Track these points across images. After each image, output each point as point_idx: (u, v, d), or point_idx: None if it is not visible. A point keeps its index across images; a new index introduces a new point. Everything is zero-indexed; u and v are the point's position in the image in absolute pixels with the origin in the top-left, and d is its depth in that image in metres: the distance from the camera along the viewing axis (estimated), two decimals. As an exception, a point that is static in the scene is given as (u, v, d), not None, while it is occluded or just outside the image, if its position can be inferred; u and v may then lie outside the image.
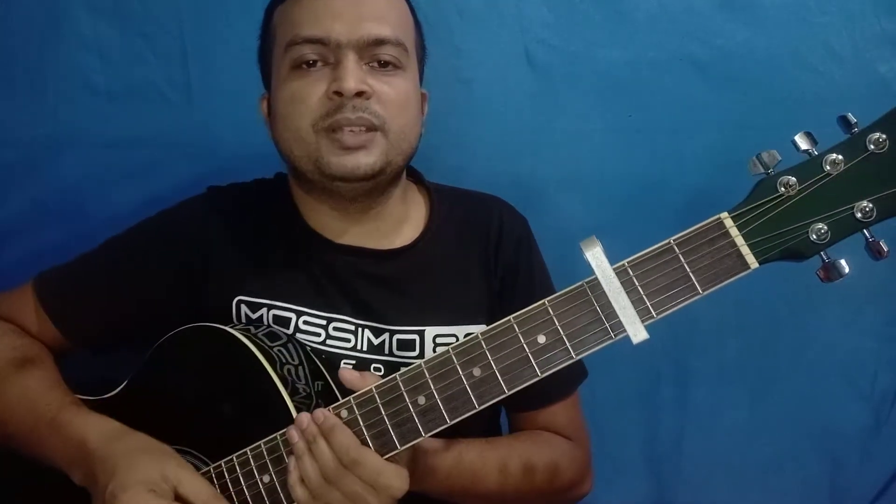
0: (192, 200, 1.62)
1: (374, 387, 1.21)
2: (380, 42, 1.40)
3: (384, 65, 1.42)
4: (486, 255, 1.60)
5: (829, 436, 2.14)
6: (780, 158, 1.07)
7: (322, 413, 1.21)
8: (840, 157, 1.05)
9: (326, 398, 1.30)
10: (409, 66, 1.48)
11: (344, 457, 1.19)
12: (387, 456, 1.20)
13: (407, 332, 1.51)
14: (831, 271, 1.07)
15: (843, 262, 1.06)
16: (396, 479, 1.20)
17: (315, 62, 1.40)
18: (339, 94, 1.36)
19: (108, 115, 1.98)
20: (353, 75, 1.37)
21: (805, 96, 2.02)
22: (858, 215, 1.04)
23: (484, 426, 1.63)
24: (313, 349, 1.46)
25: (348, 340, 1.49)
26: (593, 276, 1.11)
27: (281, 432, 1.26)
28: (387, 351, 1.50)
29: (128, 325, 1.54)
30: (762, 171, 1.07)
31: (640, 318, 1.10)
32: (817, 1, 2.02)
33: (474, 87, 1.89)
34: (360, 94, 1.37)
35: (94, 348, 1.57)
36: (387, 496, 1.20)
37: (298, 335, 1.47)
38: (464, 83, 1.98)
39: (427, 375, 1.18)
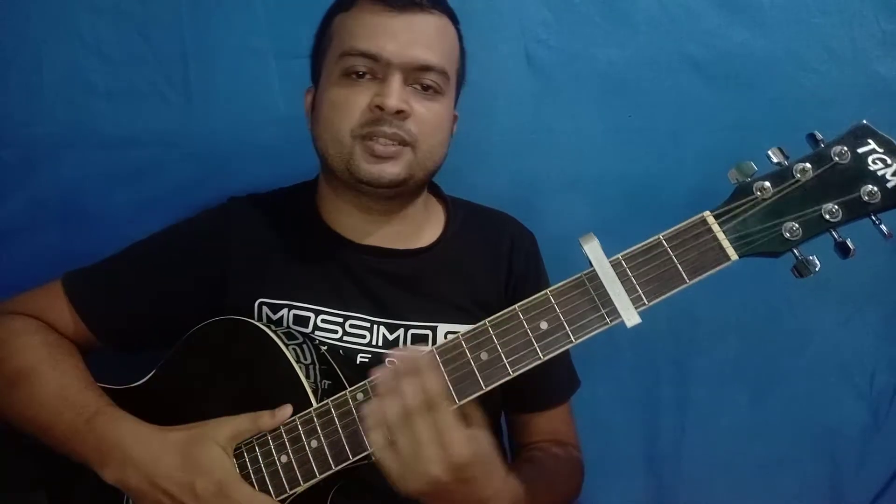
0: (213, 210, 1.86)
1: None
2: (425, 68, 1.66)
3: (426, 88, 1.68)
4: (497, 265, 1.87)
5: (829, 435, 2.31)
6: (756, 169, 1.32)
7: (424, 349, 1.40)
8: (808, 166, 1.30)
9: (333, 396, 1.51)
10: (448, 91, 1.74)
11: (429, 398, 1.29)
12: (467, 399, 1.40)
13: (421, 328, 1.75)
14: (803, 268, 1.31)
15: (813, 258, 1.30)
16: (463, 443, 1.29)
17: (364, 74, 1.66)
18: (380, 108, 1.62)
19: (108, 115, 2.12)
20: (397, 94, 1.62)
21: (804, 96, 2.21)
22: (826, 216, 1.29)
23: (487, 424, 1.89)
24: (330, 348, 1.69)
25: (363, 337, 1.73)
26: (591, 269, 1.35)
27: (301, 414, 1.48)
28: (401, 346, 1.73)
29: (153, 326, 1.75)
30: (740, 179, 1.33)
31: (634, 304, 1.33)
32: (816, 1, 2.20)
33: (474, 87, 2.00)
34: (399, 112, 1.62)
35: (120, 346, 1.78)
36: (447, 455, 1.28)
37: (317, 332, 1.71)
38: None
39: (437, 360, 1.39)
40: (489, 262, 1.87)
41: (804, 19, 2.21)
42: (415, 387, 1.30)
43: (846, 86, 2.22)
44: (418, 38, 1.66)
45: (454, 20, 1.79)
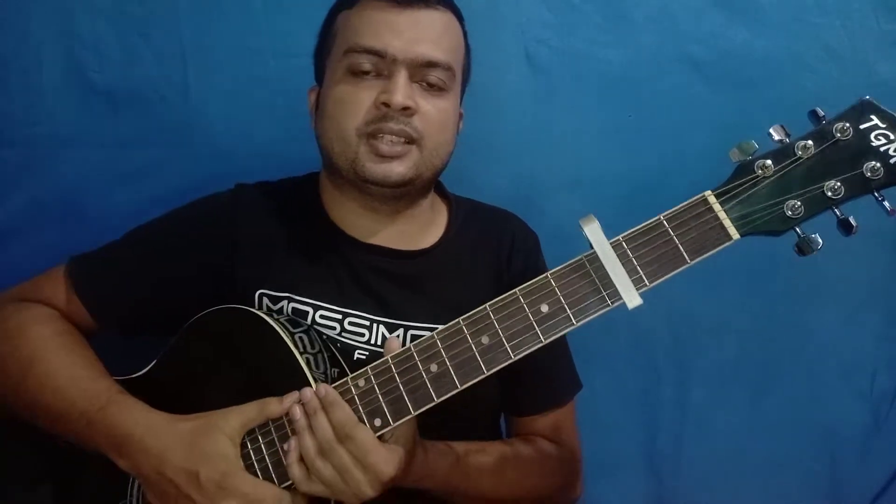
0: (220, 195, 1.83)
1: (390, 357, 1.42)
2: (431, 64, 1.65)
3: (431, 85, 1.67)
4: (498, 263, 1.85)
5: (829, 435, 2.30)
6: (757, 147, 1.31)
7: (325, 388, 1.42)
8: (810, 143, 1.29)
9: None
10: (454, 88, 1.73)
11: (339, 431, 1.39)
12: (400, 422, 1.41)
13: (421, 329, 1.73)
14: (805, 246, 1.29)
15: (815, 236, 1.29)
16: (384, 462, 1.40)
17: (369, 71, 1.64)
18: (386, 105, 1.61)
19: (108, 114, 2.14)
20: (402, 91, 1.61)
21: (804, 96, 2.18)
22: (828, 193, 1.27)
23: (486, 425, 1.90)
24: (330, 338, 1.67)
25: (362, 335, 1.71)
26: (591, 251, 1.34)
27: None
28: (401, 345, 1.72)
29: (155, 311, 1.72)
30: (741, 158, 1.32)
31: (635, 286, 1.31)
32: (816, 1, 2.20)
33: (474, 87, 1.99)
34: (405, 109, 1.61)
35: (121, 331, 1.75)
36: (373, 476, 1.40)
37: (315, 328, 1.68)
38: (463, 83, 2.10)
39: (439, 345, 1.40)
40: (490, 260, 1.85)
41: (804, 19, 2.22)
42: (323, 423, 1.41)
43: (846, 86, 2.21)
44: (424, 34, 1.65)
45: (459, 16, 1.77)
